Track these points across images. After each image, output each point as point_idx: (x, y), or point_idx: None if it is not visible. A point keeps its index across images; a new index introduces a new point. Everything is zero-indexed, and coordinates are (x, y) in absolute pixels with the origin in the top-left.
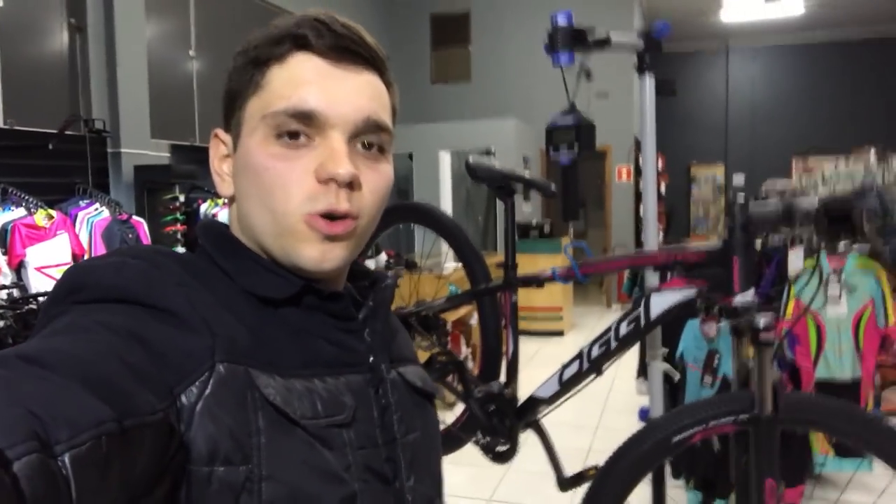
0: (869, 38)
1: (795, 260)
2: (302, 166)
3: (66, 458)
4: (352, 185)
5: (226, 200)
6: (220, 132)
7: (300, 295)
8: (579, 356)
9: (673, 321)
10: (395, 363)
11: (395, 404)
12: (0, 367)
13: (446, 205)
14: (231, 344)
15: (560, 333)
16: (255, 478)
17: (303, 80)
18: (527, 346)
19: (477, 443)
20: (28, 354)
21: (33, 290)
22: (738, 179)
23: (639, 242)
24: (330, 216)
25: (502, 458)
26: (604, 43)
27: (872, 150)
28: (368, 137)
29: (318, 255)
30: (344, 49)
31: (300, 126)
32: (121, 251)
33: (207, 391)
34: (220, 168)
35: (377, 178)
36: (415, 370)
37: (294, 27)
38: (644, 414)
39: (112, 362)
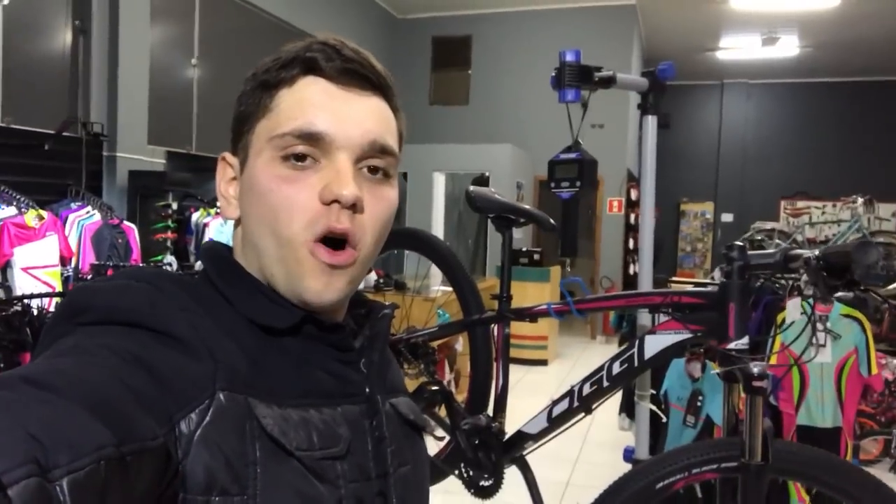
0: (860, 81)
1: (794, 310)
2: (307, 188)
3: (65, 484)
4: (355, 207)
5: (228, 222)
6: (228, 155)
7: (300, 324)
8: (570, 393)
9: None
10: (389, 394)
11: (390, 437)
12: (2, 389)
13: (438, 226)
14: (232, 372)
15: (544, 363)
16: None
17: (311, 102)
18: (511, 374)
19: (460, 476)
20: (31, 376)
21: (18, 290)
22: (727, 218)
23: (626, 274)
24: (331, 242)
25: (485, 493)
26: (610, 82)
27: (860, 199)
28: (374, 161)
29: (321, 286)
30: (352, 73)
31: (307, 148)
32: (126, 273)
33: (207, 420)
34: (227, 191)
35: (380, 204)
36: (406, 402)
37: (303, 51)
38: (629, 454)
39: (115, 386)
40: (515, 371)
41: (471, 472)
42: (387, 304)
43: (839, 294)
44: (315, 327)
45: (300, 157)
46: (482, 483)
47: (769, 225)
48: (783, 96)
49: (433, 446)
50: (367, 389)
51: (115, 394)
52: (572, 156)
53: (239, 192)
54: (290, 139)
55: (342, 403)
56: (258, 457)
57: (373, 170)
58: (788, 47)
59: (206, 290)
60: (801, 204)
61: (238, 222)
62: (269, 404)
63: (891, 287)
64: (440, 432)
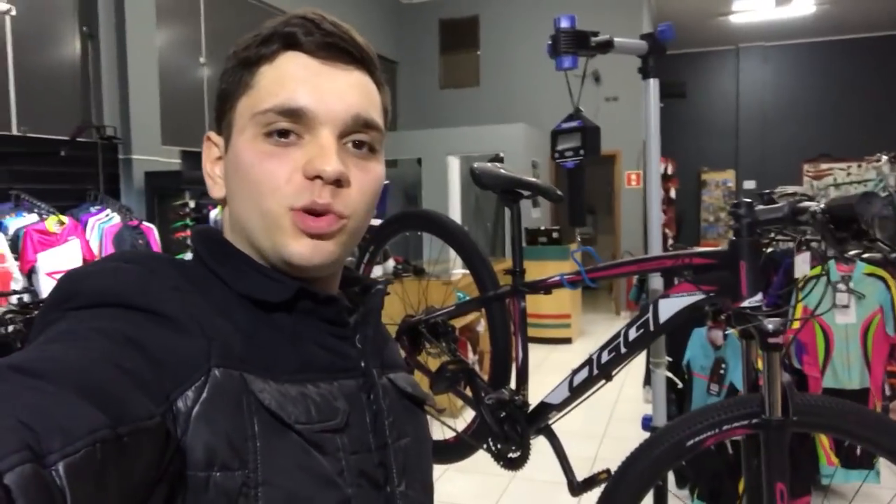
0: (881, 36)
1: (802, 265)
2: (291, 163)
3: (60, 468)
4: (340, 182)
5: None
6: (213, 134)
7: (294, 299)
8: (589, 362)
9: (679, 329)
10: (386, 369)
11: (387, 409)
12: None
13: (455, 210)
14: (226, 349)
15: (568, 341)
16: (252, 483)
17: (292, 77)
18: (535, 354)
19: (488, 450)
20: (20, 364)
21: (44, 295)
22: (749, 185)
23: (647, 249)
24: (312, 212)
25: (514, 464)
26: (607, 46)
27: (884, 157)
28: (358, 136)
29: (308, 251)
30: (333, 47)
31: (289, 124)
32: (115, 256)
33: (204, 396)
34: (213, 170)
35: (367, 178)
36: (405, 377)
37: (282, 26)
38: (647, 422)
39: (107, 368)
40: (540, 350)
41: (499, 446)
42: (380, 280)
43: (867, 255)
44: (310, 301)
45: (283, 133)
46: (510, 455)
47: (791, 189)
48: (801, 57)
49: (461, 423)
50: (363, 363)
51: (107, 376)
52: (574, 124)
53: (224, 171)
54: (272, 115)
55: (339, 378)
56: (257, 431)
57: (358, 144)
58: (804, 5)
59: (198, 269)
60: (824, 166)
61: (225, 202)
62: (265, 379)
63: None
64: (445, 404)
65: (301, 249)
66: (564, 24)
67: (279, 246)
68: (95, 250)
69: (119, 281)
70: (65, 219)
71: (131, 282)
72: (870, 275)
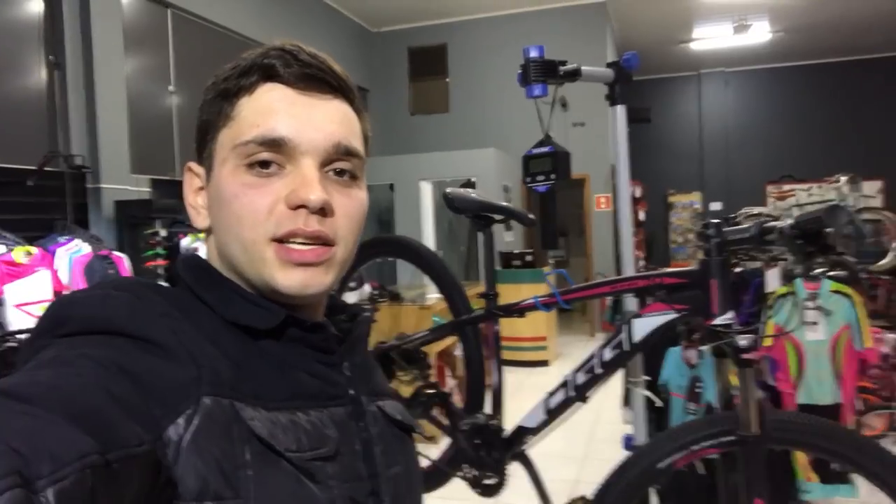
0: (835, 62)
1: (773, 280)
2: (273, 193)
3: (50, 494)
4: (324, 211)
5: (204, 234)
6: (194, 165)
7: (282, 326)
8: (564, 384)
9: (655, 349)
10: (375, 397)
11: (377, 437)
12: None
13: (428, 235)
14: (216, 376)
15: (545, 363)
16: None
17: (272, 108)
18: (512, 377)
19: (464, 477)
20: (10, 389)
21: (12, 327)
22: (716, 206)
23: (619, 270)
24: (298, 240)
25: (490, 491)
26: (575, 75)
27: (843, 178)
28: (340, 164)
29: (298, 282)
30: (311, 77)
31: (271, 154)
32: (104, 284)
33: (194, 425)
34: (195, 201)
35: (351, 204)
36: (393, 404)
37: (261, 58)
38: (628, 442)
39: (97, 394)
40: (517, 373)
41: (475, 472)
42: (366, 306)
43: (833, 273)
44: (297, 328)
45: (265, 164)
46: (486, 481)
47: (756, 210)
48: (761, 82)
49: (436, 451)
50: (352, 391)
51: (97, 402)
52: (545, 150)
53: (207, 202)
54: (253, 147)
55: (328, 406)
56: (249, 459)
57: (339, 172)
58: (760, 33)
59: (185, 296)
60: (786, 187)
61: (210, 231)
62: (255, 407)
63: (883, 262)
64: (431, 432)
65: (290, 281)
66: (534, 53)
67: (266, 277)
68: (65, 281)
69: (108, 308)
70: (33, 249)
71: (120, 309)
72: (836, 292)
